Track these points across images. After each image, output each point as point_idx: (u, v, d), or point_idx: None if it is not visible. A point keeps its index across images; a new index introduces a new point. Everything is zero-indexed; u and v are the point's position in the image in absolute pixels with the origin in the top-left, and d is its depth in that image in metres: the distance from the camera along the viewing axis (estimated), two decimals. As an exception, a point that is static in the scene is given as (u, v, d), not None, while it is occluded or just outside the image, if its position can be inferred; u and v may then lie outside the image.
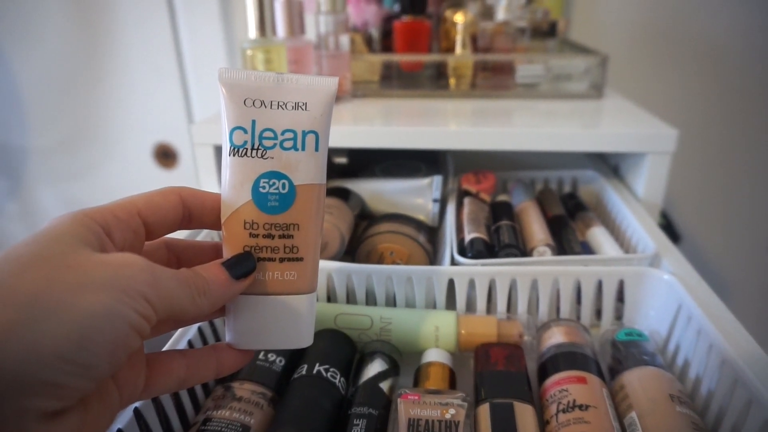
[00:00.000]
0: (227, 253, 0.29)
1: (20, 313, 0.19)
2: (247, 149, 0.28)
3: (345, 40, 0.70)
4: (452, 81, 0.79)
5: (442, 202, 0.61)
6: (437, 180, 0.61)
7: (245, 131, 0.28)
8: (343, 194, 0.61)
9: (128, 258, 0.23)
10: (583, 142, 0.59)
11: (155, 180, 1.42)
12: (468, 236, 0.52)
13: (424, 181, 0.63)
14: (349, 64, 0.72)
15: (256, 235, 0.28)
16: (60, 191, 1.46)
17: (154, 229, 0.28)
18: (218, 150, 0.65)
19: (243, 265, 0.28)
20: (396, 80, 0.78)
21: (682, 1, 1.07)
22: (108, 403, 0.23)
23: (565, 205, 0.61)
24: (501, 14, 0.77)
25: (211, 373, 0.29)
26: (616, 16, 1.10)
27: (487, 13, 0.86)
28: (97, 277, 0.21)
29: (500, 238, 0.52)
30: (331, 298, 0.48)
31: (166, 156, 1.43)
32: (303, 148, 0.29)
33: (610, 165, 0.70)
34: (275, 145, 0.28)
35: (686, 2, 1.07)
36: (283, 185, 0.28)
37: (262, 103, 0.28)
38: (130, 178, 1.43)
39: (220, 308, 0.29)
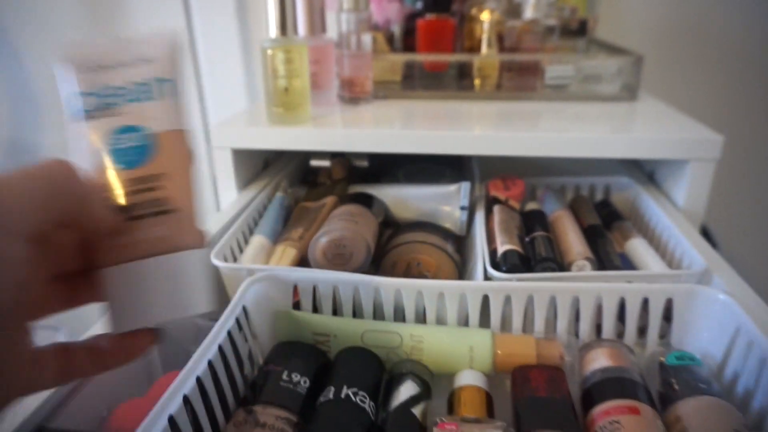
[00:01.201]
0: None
1: None
2: (96, 111, 0.28)
3: (367, 39, 0.67)
4: (477, 81, 0.76)
5: (471, 210, 0.58)
6: (465, 187, 0.58)
7: (93, 95, 0.28)
8: (366, 201, 0.58)
9: None
10: (620, 148, 0.55)
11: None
12: (501, 248, 0.49)
13: (451, 188, 0.60)
14: (371, 64, 0.69)
15: (123, 194, 0.27)
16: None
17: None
18: (236, 153, 0.62)
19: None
20: (418, 80, 0.76)
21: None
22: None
23: (600, 214, 0.58)
24: (529, 12, 0.74)
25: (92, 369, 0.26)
26: (643, 13, 1.07)
27: (513, 10, 0.83)
28: None
29: (536, 251, 0.49)
30: (357, 313, 0.45)
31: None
32: (155, 97, 0.28)
33: (645, 171, 0.67)
34: (125, 101, 0.28)
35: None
36: (142, 137, 0.28)
37: (103, 66, 0.28)
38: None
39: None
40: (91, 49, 0.28)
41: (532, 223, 0.54)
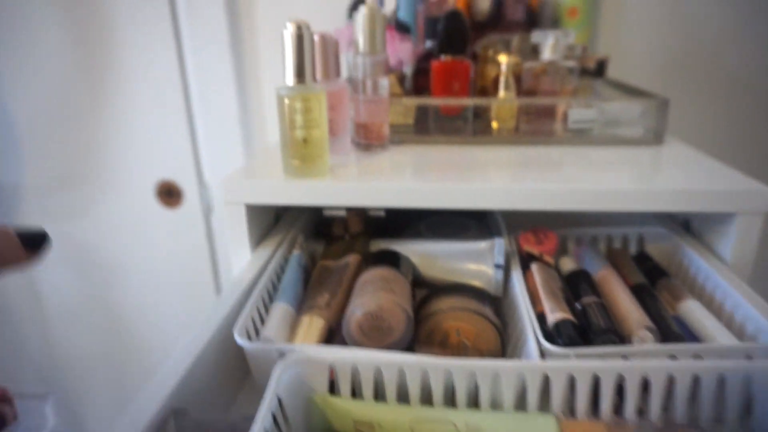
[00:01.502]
0: None
1: None
2: None
3: (384, 83, 0.64)
4: (494, 125, 0.73)
5: (506, 268, 0.54)
6: (499, 244, 0.54)
7: None
8: (393, 260, 0.54)
9: None
10: (662, 201, 0.52)
11: (158, 219, 1.34)
12: (551, 316, 0.45)
13: (483, 245, 0.56)
14: (387, 110, 0.65)
15: None
16: (55, 230, 1.37)
17: None
18: (252, 209, 0.58)
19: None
20: (433, 123, 0.72)
21: (718, 29, 1.03)
22: None
23: (641, 270, 0.54)
24: (547, 53, 0.71)
25: None
26: (645, 49, 1.06)
27: (527, 50, 0.80)
28: None
29: (590, 320, 0.45)
30: (401, 398, 0.41)
31: (169, 194, 1.36)
32: None
33: (678, 220, 0.64)
34: None
35: (723, 30, 1.03)
36: None
37: None
38: (130, 217, 1.35)
39: None
40: None
41: (577, 285, 0.50)
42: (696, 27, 1.04)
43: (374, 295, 0.45)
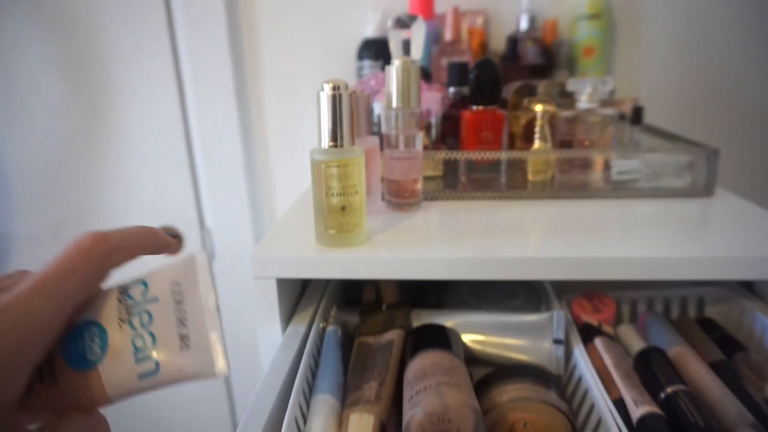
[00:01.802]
0: None
1: None
2: None
3: (419, 138, 0.60)
4: (530, 178, 0.69)
5: (566, 342, 0.50)
6: (559, 317, 0.50)
7: None
8: (443, 339, 0.49)
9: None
10: (718, 269, 0.48)
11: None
12: (636, 409, 0.40)
13: (540, 318, 0.51)
14: (421, 167, 0.61)
15: None
16: (49, 284, 1.31)
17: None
18: (282, 283, 0.53)
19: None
20: (463, 175, 0.68)
21: (738, 65, 1.01)
22: None
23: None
24: (584, 101, 0.68)
25: None
26: (662, 88, 1.04)
27: (554, 95, 0.77)
28: None
29: (680, 414, 0.40)
30: None
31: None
32: None
33: (736, 277, 0.60)
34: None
35: (739, 64, 1.01)
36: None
37: None
38: (129, 266, 1.28)
39: None
40: None
41: (653, 365, 0.45)
42: (715, 64, 1.02)
43: (436, 391, 0.40)
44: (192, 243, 1.26)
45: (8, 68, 1.13)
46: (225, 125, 1.14)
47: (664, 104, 1.02)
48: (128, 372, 0.25)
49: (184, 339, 0.26)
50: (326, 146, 0.49)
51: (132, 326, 0.26)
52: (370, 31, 1.03)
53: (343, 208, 0.50)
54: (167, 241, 0.30)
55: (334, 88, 0.48)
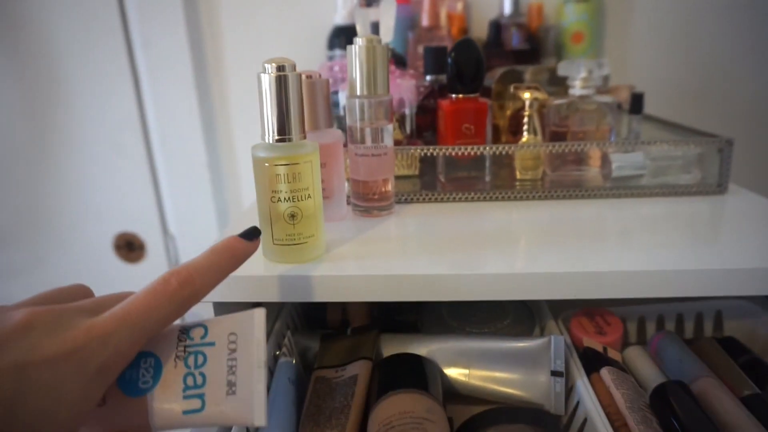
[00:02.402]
0: None
1: None
2: None
3: (389, 131, 0.51)
4: (518, 174, 0.60)
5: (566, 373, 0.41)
6: (557, 343, 0.41)
7: None
8: (418, 376, 0.40)
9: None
10: (742, 284, 0.39)
11: (117, 276, 1.18)
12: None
13: (535, 343, 0.43)
14: (393, 164, 0.52)
15: None
16: (-2, 291, 1.21)
17: None
18: (223, 307, 0.43)
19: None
20: (444, 174, 0.59)
21: (733, 47, 0.94)
22: None
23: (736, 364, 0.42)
24: (578, 88, 0.59)
25: None
26: (654, 76, 0.97)
27: (543, 83, 0.69)
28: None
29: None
30: None
31: (130, 248, 1.20)
32: None
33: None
34: None
35: (739, 48, 0.94)
36: None
37: None
38: (85, 274, 1.18)
39: None
40: None
41: (674, 406, 0.37)
42: (714, 49, 0.95)
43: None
44: (154, 250, 1.16)
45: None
46: (186, 120, 1.04)
47: (659, 94, 0.94)
48: (175, 406, 0.27)
49: (231, 385, 0.27)
50: (271, 141, 0.40)
51: (186, 364, 0.28)
52: (341, 18, 0.94)
53: (292, 216, 0.41)
54: (247, 250, 0.31)
55: (278, 68, 0.39)
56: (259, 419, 0.26)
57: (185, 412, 0.27)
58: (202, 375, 0.27)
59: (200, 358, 0.28)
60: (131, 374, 0.27)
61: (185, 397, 0.27)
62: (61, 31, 1.00)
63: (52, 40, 1.00)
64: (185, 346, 0.28)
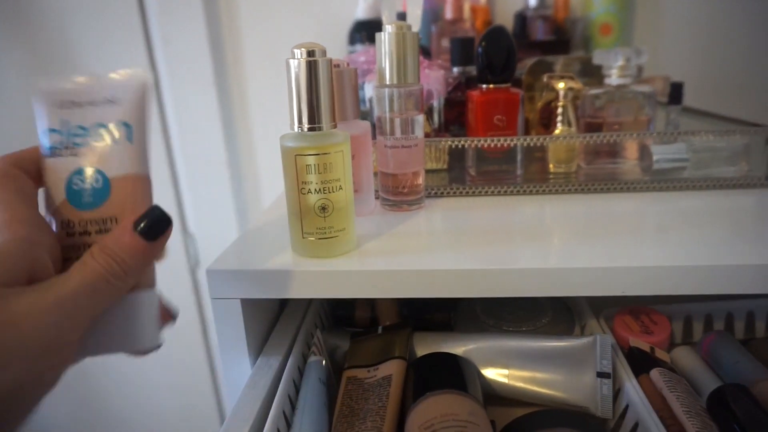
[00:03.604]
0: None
1: None
2: (60, 149, 0.29)
3: (419, 122, 0.49)
4: (551, 168, 0.58)
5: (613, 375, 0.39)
6: (603, 343, 0.39)
7: (58, 132, 0.29)
8: (457, 376, 0.38)
9: (34, 310, 0.22)
10: None
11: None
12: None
13: (578, 343, 0.40)
14: (423, 157, 0.50)
15: (72, 234, 0.28)
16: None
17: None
18: (250, 304, 0.42)
19: (158, 222, 0.27)
20: (474, 167, 0.57)
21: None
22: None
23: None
24: (614, 77, 0.57)
25: None
26: (686, 68, 0.93)
27: (575, 74, 0.66)
28: (12, 350, 0.21)
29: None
30: None
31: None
32: (114, 141, 0.29)
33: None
34: (87, 141, 0.29)
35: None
36: (97, 180, 0.29)
37: (73, 102, 0.29)
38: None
39: None
40: (63, 85, 0.29)
41: (734, 409, 0.34)
42: (750, 39, 0.91)
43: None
44: (174, 249, 1.15)
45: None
46: (205, 118, 1.03)
47: (694, 84, 0.91)
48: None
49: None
50: (300, 130, 0.39)
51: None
52: (362, 12, 0.92)
53: (323, 209, 0.39)
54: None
55: (309, 53, 0.37)
56: None
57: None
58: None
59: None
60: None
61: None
62: (81, 28, 0.99)
63: (72, 36, 1.00)
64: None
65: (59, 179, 0.28)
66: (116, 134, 0.29)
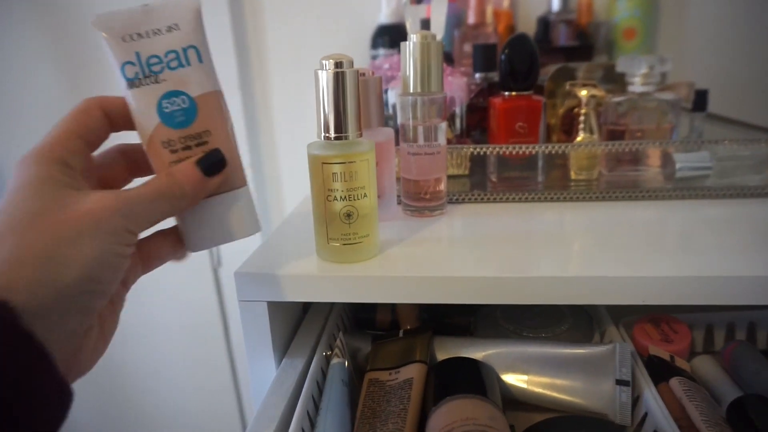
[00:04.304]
0: (157, 171, 0.33)
1: (40, 271, 0.24)
2: (140, 79, 0.32)
3: (442, 129, 0.50)
4: (573, 175, 0.58)
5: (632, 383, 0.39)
6: (623, 350, 0.39)
7: (133, 64, 0.31)
8: (477, 381, 0.38)
9: (104, 201, 0.27)
10: None
11: (158, 276, 1.20)
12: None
13: (597, 350, 0.41)
14: (445, 164, 0.51)
15: (176, 150, 0.32)
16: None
17: (91, 143, 0.31)
18: (276, 306, 0.43)
19: (215, 163, 0.32)
20: (495, 174, 0.58)
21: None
22: (117, 307, 0.32)
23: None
24: (638, 84, 0.57)
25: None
26: (710, 69, 0.92)
27: (597, 80, 0.67)
28: (85, 228, 0.26)
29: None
30: None
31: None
32: (188, 63, 0.32)
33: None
34: (163, 68, 0.32)
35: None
36: (183, 100, 0.32)
37: (139, 35, 0.31)
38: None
39: None
40: (124, 18, 0.31)
41: (753, 421, 0.34)
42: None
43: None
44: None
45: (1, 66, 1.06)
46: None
47: (719, 91, 0.90)
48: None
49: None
50: (327, 139, 0.40)
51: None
52: (385, 17, 0.93)
53: (348, 215, 0.40)
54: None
55: (336, 65, 0.38)
56: None
57: None
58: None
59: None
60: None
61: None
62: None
63: (99, 41, 1.03)
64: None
65: (149, 105, 0.31)
66: (188, 57, 0.32)
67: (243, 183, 0.35)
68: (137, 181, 0.32)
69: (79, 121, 0.31)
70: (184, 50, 0.32)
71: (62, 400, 0.24)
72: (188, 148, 0.32)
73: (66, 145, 0.29)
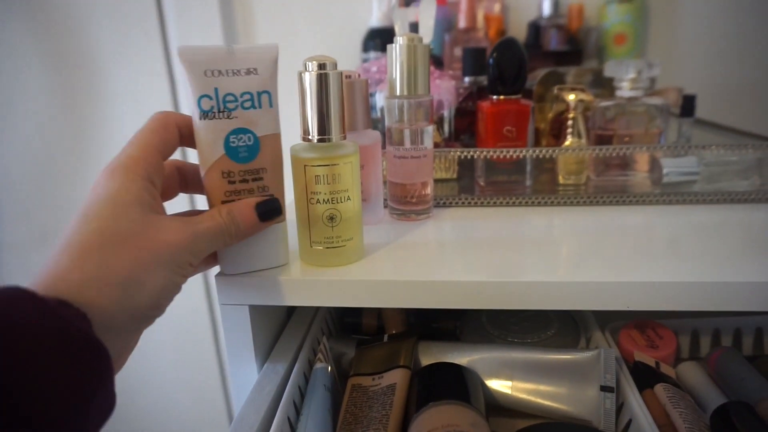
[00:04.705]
0: (211, 202, 0.36)
1: (118, 293, 0.27)
2: (214, 113, 0.34)
3: (429, 132, 0.50)
4: (561, 179, 0.58)
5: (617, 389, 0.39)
6: (608, 356, 0.39)
7: (210, 98, 0.34)
8: (460, 387, 0.38)
9: (179, 235, 0.30)
10: None
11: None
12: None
13: (582, 356, 0.40)
14: (432, 167, 0.51)
15: (233, 182, 0.36)
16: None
17: (166, 157, 0.34)
18: (258, 310, 0.43)
19: (272, 210, 0.36)
20: (483, 178, 0.57)
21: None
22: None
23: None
24: (626, 89, 0.57)
25: None
26: (702, 80, 0.92)
27: (586, 84, 0.67)
28: (162, 259, 0.29)
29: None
30: None
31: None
32: (260, 106, 0.35)
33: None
34: (237, 106, 0.35)
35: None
36: (249, 138, 0.35)
37: (220, 72, 0.34)
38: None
39: None
40: (208, 55, 0.34)
41: (736, 427, 0.34)
42: (764, 50, 0.90)
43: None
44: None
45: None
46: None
47: (708, 97, 0.90)
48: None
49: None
50: (309, 141, 0.39)
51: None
52: (377, 20, 0.93)
53: (331, 218, 0.40)
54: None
55: (320, 66, 0.38)
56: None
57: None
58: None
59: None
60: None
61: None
62: (101, 34, 1.02)
63: (92, 44, 1.02)
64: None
65: (217, 138, 0.34)
66: (261, 101, 0.35)
67: (283, 218, 0.38)
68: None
69: (161, 136, 0.32)
70: (259, 94, 0.35)
71: (111, 406, 0.27)
72: (245, 181, 0.35)
73: (150, 161, 0.31)
